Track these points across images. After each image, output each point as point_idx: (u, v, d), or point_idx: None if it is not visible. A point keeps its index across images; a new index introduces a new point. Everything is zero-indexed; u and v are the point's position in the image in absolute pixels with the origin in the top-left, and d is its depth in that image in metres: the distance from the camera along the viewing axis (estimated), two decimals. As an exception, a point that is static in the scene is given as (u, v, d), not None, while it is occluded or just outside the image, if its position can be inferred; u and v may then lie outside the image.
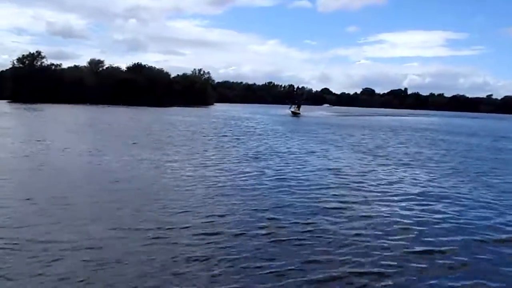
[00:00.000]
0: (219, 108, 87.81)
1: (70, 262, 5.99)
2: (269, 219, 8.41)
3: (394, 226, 8.36)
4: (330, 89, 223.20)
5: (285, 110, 71.70)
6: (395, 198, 10.74)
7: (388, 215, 9.11)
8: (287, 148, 20.99)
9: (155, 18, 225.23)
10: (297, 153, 19.22)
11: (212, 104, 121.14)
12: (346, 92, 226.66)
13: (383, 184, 12.43)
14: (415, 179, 13.59)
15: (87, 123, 36.59)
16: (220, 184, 11.47)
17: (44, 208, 8.55)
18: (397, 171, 15.02)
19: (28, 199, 9.17)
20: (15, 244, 6.58)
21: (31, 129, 27.31)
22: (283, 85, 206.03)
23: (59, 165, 13.76)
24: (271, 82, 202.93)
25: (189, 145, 20.56)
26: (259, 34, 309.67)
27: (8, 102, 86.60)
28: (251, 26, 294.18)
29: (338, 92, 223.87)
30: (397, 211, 9.48)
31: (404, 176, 14.04)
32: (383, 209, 9.60)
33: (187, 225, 7.73)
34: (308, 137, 27.25)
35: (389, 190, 11.60)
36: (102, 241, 6.86)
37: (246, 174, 13.11)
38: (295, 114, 65.15)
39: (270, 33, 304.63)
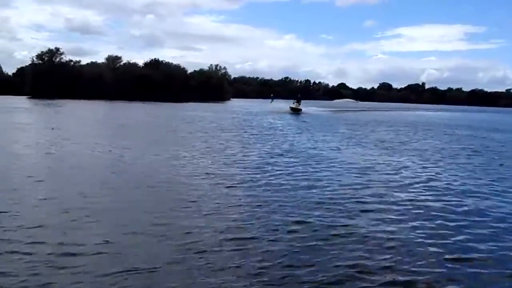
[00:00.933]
0: (236, 104, 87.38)
1: (95, 272, 5.65)
2: (302, 221, 7.93)
3: (438, 227, 7.88)
4: (347, 84, 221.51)
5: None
6: (433, 197, 10.22)
7: (430, 215, 8.62)
8: (311, 144, 20.54)
9: (172, 14, 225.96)
10: (322, 149, 18.67)
11: (229, 99, 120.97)
12: (363, 87, 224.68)
13: (417, 183, 11.87)
14: (452, 177, 12.95)
15: (107, 119, 36.66)
16: (247, 184, 11.02)
17: (66, 209, 8.25)
18: (430, 168, 14.44)
19: (53, 198, 8.97)
20: (44, 250, 6.28)
21: (52, 125, 27.32)
22: (299, 80, 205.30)
23: (83, 164, 13.51)
24: (287, 77, 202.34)
25: (212, 141, 20.19)
26: (275, 29, 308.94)
27: (28, 98, 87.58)
28: (268, 21, 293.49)
29: (355, 87, 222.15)
30: (438, 211, 8.98)
31: (438, 174, 13.42)
32: (421, 208, 9.13)
33: (217, 229, 7.31)
34: (330, 133, 26.71)
35: (425, 189, 11.05)
36: (130, 248, 6.49)
37: (274, 173, 12.62)
38: (295, 110, 52.04)
39: (286, 28, 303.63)
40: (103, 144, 18.05)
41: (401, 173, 13.46)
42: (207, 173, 12.16)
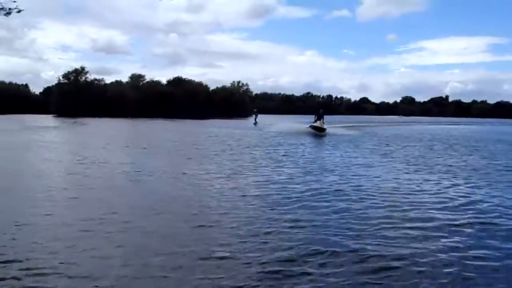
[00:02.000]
0: (258, 120, 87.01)
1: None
2: (345, 249, 7.17)
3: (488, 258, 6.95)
4: (369, 98, 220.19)
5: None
6: (479, 221, 9.16)
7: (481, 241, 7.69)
8: (338, 161, 19.95)
9: (194, 32, 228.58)
10: (350, 166, 17.74)
11: (251, 115, 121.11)
12: (385, 101, 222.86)
13: (457, 205, 10.69)
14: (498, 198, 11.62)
15: (133, 137, 36.76)
16: (282, 205, 10.27)
17: (96, 228, 7.81)
18: (470, 189, 13.04)
19: (87, 219, 8.36)
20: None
21: (79, 143, 27.47)
22: (321, 95, 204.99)
23: (114, 183, 13.27)
24: (309, 93, 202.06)
25: (239, 158, 19.91)
26: (296, 45, 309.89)
27: (54, 116, 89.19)
28: (289, 37, 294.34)
29: (377, 101, 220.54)
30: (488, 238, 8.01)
31: (484, 194, 12.20)
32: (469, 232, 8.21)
33: (255, 260, 6.62)
34: (356, 149, 26.01)
35: (467, 212, 10.01)
36: (163, 272, 6.03)
37: (303, 192, 11.85)
38: (318, 130, 38.18)
39: (308, 44, 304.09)
40: (132, 162, 17.93)
41: (444, 193, 12.31)
42: (243, 195, 11.49)
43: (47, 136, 34.18)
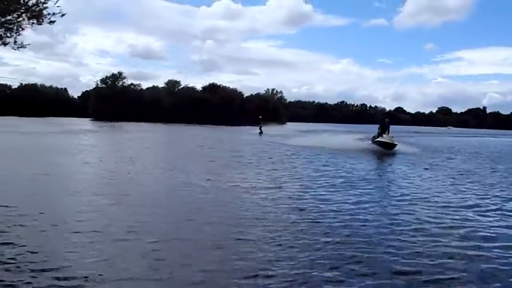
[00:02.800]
0: (292, 128, 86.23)
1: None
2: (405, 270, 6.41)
3: None
4: (404, 108, 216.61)
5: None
6: None
7: None
8: (381, 174, 19.30)
9: (231, 39, 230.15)
10: (394, 180, 16.27)
11: (285, 123, 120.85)
12: (421, 111, 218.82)
13: None
14: None
15: (171, 142, 37.02)
16: (315, 218, 9.54)
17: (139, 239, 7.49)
18: None
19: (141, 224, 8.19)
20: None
21: (118, 147, 27.73)
22: (355, 104, 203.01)
23: (154, 189, 13.22)
24: (343, 101, 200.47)
25: (278, 166, 19.47)
26: (332, 53, 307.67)
27: (91, 120, 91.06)
28: (325, 45, 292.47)
29: (413, 111, 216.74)
30: None
31: None
32: None
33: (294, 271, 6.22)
34: (400, 161, 24.77)
35: None
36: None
37: (344, 205, 10.90)
38: (387, 146, 28.87)
39: (344, 52, 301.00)
40: (170, 167, 17.86)
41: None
42: (293, 208, 10.69)
43: (87, 140, 34.72)
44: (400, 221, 9.29)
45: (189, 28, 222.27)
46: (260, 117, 60.55)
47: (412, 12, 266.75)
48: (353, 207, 10.70)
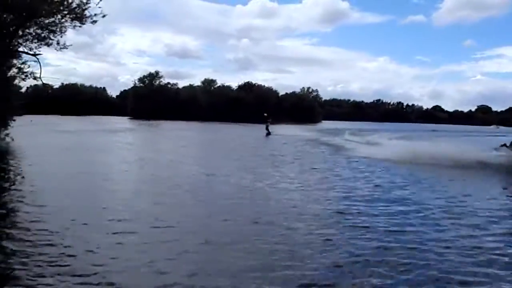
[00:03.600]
0: (328, 126, 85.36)
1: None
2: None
3: None
4: (442, 107, 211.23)
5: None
6: None
7: None
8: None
9: (266, 38, 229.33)
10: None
11: (320, 121, 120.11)
12: (459, 110, 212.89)
13: None
14: None
15: (209, 140, 37.27)
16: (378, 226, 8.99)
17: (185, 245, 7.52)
18: None
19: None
20: None
21: (158, 144, 28.15)
22: (391, 102, 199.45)
23: (195, 186, 13.28)
24: (379, 100, 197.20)
25: (323, 167, 19.12)
26: (368, 51, 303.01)
27: (129, 118, 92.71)
28: (361, 43, 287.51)
29: (451, 110, 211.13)
30: None
31: None
32: None
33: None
34: None
35: None
36: None
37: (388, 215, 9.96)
38: None
39: (380, 50, 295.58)
40: (209, 164, 18.00)
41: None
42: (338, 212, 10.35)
43: (126, 138, 35.42)
44: None
45: (225, 27, 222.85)
46: (265, 114, 47.71)
47: (451, 8, 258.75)
48: None
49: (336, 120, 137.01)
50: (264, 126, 46.74)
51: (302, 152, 25.89)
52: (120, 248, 6.96)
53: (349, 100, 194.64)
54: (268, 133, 44.85)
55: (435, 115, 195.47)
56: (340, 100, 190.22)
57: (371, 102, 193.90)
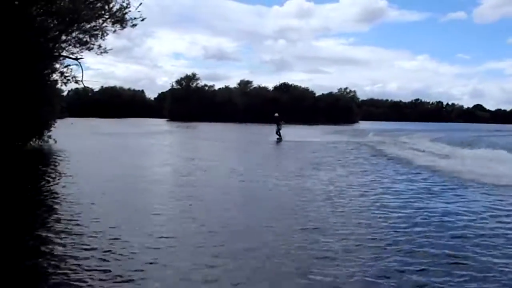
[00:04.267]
0: (366, 127, 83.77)
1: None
2: None
3: None
4: (484, 106, 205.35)
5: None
6: None
7: None
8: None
9: (303, 38, 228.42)
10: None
11: (357, 121, 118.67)
12: (502, 109, 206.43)
13: None
14: None
15: (249, 141, 36.98)
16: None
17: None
18: None
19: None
20: None
21: (197, 149, 28.11)
22: (430, 102, 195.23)
23: (229, 189, 13.05)
24: (418, 99, 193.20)
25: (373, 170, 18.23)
26: (407, 50, 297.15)
27: (167, 120, 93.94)
28: (399, 42, 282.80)
29: (493, 109, 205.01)
30: None
31: None
32: None
33: None
34: None
35: None
36: None
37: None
38: None
39: (420, 48, 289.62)
40: (252, 167, 17.62)
41: None
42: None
43: (164, 140, 35.68)
44: None
45: (262, 28, 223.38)
46: (277, 114, 35.03)
47: (494, 4, 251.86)
48: None
49: (373, 121, 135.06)
50: (277, 127, 35.55)
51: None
52: (162, 253, 6.66)
53: (386, 100, 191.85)
54: (280, 139, 34.63)
55: (476, 114, 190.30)
56: (378, 100, 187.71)
57: (409, 102, 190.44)
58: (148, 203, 10.64)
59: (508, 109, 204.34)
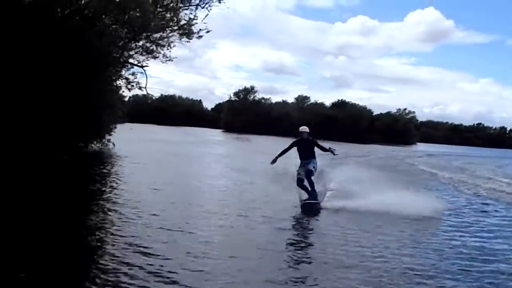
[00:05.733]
0: (424, 149, 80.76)
1: None
2: None
3: None
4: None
5: None
6: None
7: None
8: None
9: (364, 56, 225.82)
10: None
11: (415, 143, 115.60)
12: None
13: None
14: None
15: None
16: None
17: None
18: None
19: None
20: None
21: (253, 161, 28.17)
22: (493, 127, 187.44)
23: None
24: (480, 123, 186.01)
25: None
26: (470, 72, 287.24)
27: (222, 131, 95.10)
28: (463, 63, 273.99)
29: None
30: None
31: None
32: None
33: None
34: None
35: None
36: None
37: None
38: None
39: (483, 71, 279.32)
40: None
41: None
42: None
43: (221, 150, 36.04)
44: None
45: (323, 44, 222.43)
46: (305, 129, 12.73)
47: None
48: None
49: (432, 143, 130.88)
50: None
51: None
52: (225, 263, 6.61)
53: (446, 122, 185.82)
54: (310, 204, 12.12)
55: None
56: (437, 122, 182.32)
57: (470, 126, 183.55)
58: (202, 209, 10.62)
59: None
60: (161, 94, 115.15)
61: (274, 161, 12.55)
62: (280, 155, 12.48)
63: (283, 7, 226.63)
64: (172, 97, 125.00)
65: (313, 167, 12.31)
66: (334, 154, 12.61)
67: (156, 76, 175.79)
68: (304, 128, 12.59)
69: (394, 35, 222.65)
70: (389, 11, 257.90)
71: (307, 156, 12.47)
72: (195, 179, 17.02)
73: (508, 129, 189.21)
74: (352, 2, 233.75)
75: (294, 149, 12.56)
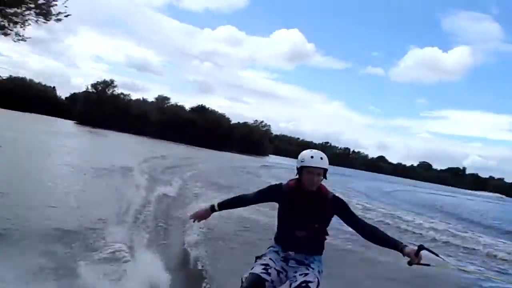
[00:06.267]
0: (278, 161, 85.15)
1: None
2: None
3: None
4: (386, 158, 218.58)
5: None
6: None
7: None
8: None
9: (229, 65, 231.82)
10: None
11: (267, 155, 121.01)
12: (402, 163, 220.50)
13: None
14: None
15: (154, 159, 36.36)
16: None
17: None
18: None
19: None
20: None
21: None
22: (339, 147, 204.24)
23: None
24: (327, 142, 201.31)
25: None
26: (325, 94, 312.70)
27: (75, 123, 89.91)
28: (319, 85, 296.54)
29: (394, 162, 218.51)
30: None
31: None
32: None
33: None
34: None
35: None
36: None
37: None
38: None
39: (336, 95, 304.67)
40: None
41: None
42: None
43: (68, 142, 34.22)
44: None
45: (190, 48, 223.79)
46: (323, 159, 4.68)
47: (410, 66, 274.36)
48: None
49: (285, 157, 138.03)
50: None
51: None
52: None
53: (298, 138, 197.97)
54: None
55: (379, 165, 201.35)
56: (290, 137, 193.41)
57: (319, 144, 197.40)
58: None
59: (407, 164, 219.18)
60: (10, 75, 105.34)
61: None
62: (225, 204, 4.76)
63: (153, 4, 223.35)
64: (22, 80, 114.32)
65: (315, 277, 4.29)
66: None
67: (3, 54, 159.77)
68: (317, 159, 4.48)
69: (259, 49, 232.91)
70: (257, 25, 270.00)
71: (303, 240, 4.47)
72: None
73: (351, 150, 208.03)
74: (222, 11, 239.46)
75: (270, 206, 5.09)
